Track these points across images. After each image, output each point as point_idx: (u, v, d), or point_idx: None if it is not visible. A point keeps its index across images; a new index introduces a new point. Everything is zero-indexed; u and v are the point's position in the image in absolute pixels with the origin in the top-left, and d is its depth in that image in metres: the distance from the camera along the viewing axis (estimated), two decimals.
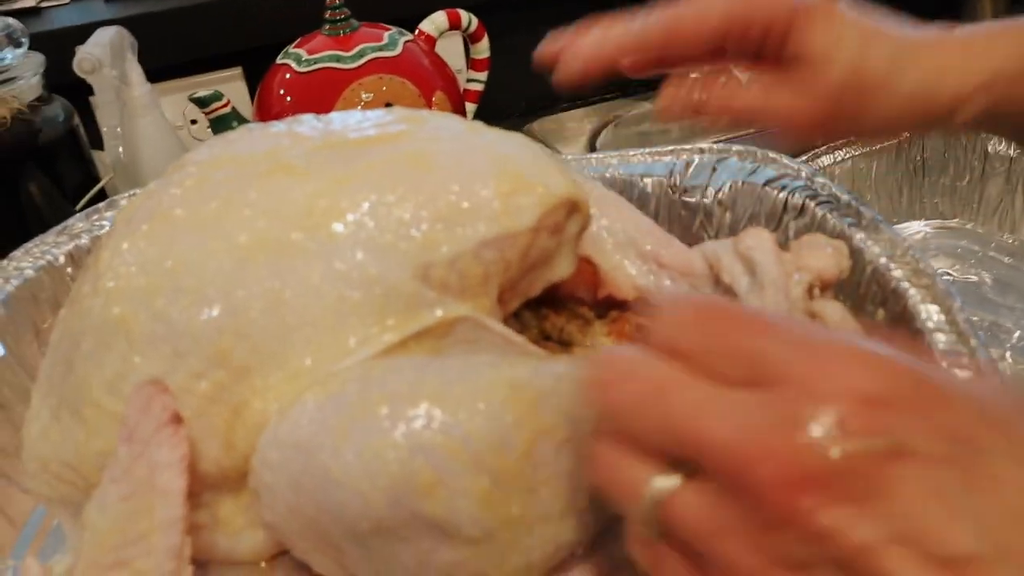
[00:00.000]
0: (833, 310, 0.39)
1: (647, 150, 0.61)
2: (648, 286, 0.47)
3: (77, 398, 0.39)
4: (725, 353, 0.26)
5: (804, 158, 0.88)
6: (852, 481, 0.23)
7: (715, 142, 0.62)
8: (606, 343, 0.48)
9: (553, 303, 0.48)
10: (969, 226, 0.86)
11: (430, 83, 0.77)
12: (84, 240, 0.55)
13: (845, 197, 0.53)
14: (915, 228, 0.87)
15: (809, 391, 0.24)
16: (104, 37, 0.78)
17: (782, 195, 0.55)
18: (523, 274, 0.41)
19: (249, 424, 0.38)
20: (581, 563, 0.37)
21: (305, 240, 0.38)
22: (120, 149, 0.81)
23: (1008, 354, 0.71)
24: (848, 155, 0.87)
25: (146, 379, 0.36)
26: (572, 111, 1.03)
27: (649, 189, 0.59)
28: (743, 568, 0.24)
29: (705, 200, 0.58)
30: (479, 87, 0.88)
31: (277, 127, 0.44)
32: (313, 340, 0.37)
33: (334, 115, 0.44)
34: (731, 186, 0.58)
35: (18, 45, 0.75)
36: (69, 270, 0.54)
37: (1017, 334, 0.73)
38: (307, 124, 0.43)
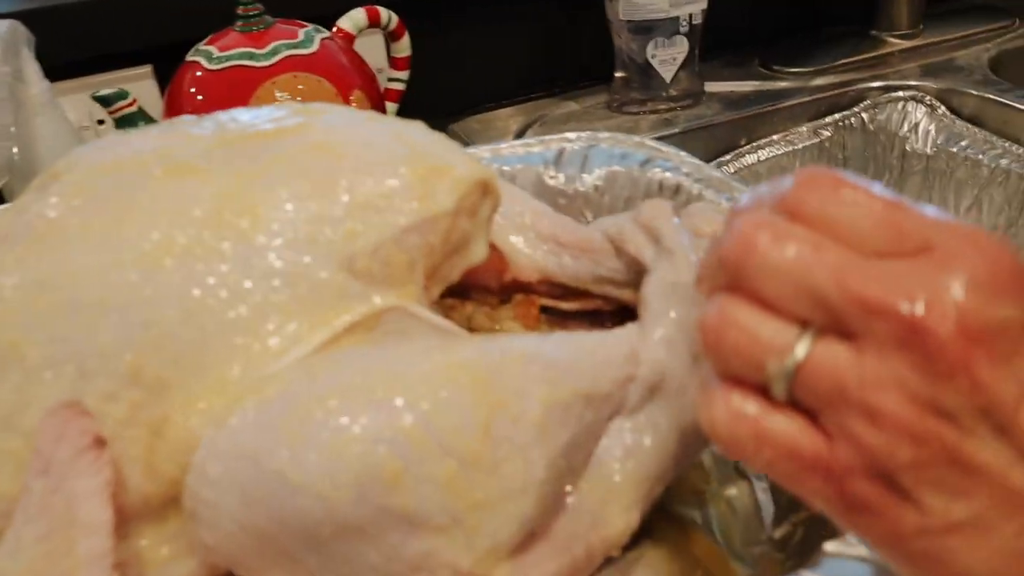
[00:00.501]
0: None
1: (518, 142, 0.62)
2: (550, 266, 0.48)
3: None
4: (859, 220, 0.27)
5: (729, 156, 0.92)
6: (1004, 342, 0.25)
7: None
8: (514, 327, 0.48)
9: (458, 293, 0.48)
10: None
11: (347, 81, 0.75)
12: None
13: (716, 175, 0.56)
14: None
15: (957, 259, 0.26)
16: None
17: (657, 176, 0.57)
18: (445, 259, 0.40)
19: (173, 443, 0.35)
20: (540, 541, 0.37)
21: (217, 240, 0.36)
22: (15, 150, 0.74)
23: None
24: (772, 154, 0.91)
25: (58, 403, 0.33)
26: (497, 111, 1.01)
27: (525, 180, 0.60)
28: (898, 418, 0.25)
29: (581, 187, 0.59)
30: (400, 86, 0.86)
31: (159, 128, 0.41)
32: (238, 345, 0.35)
33: (221, 113, 0.42)
34: (606, 171, 0.59)
35: None
36: None
37: None
38: (195, 123, 0.41)
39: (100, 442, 0.33)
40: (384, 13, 0.81)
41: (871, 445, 0.26)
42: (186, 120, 0.42)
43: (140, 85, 0.88)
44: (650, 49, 0.94)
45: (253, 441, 0.32)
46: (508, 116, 1.00)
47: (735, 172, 0.92)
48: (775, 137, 0.93)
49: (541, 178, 0.59)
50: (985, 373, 0.25)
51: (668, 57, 0.95)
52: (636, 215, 0.46)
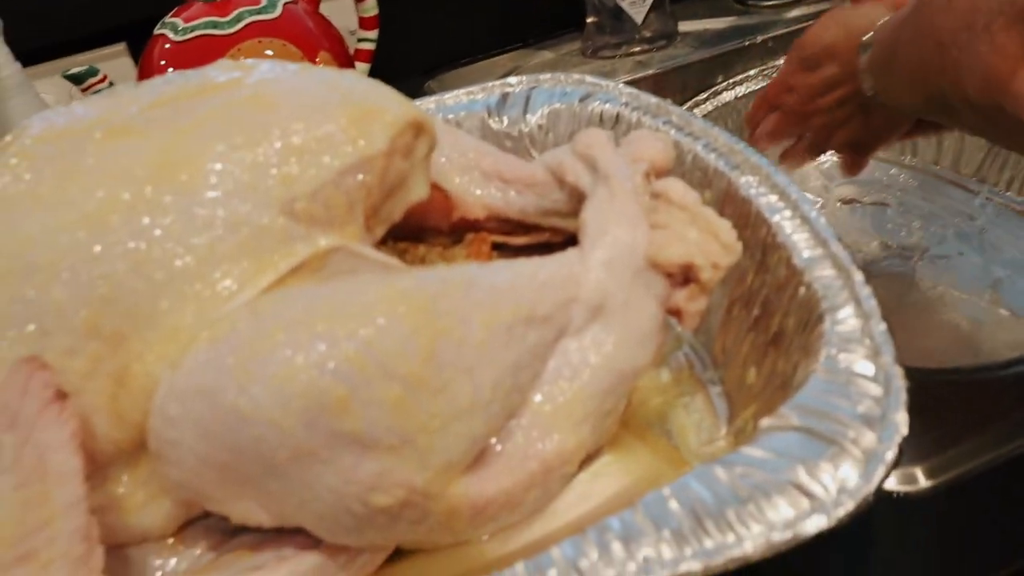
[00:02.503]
0: (674, 184, 0.42)
1: (461, 91, 0.63)
2: (496, 203, 0.49)
3: None
4: None
5: (705, 95, 0.91)
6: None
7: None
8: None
9: (410, 236, 0.49)
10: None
11: (313, 44, 0.76)
12: None
13: (653, 101, 0.57)
14: (823, 158, 0.89)
15: None
16: None
17: (597, 109, 0.59)
18: (384, 198, 0.41)
19: (135, 391, 0.36)
20: (494, 458, 0.39)
21: (159, 195, 0.37)
22: None
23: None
24: (749, 89, 0.90)
25: (19, 359, 0.34)
26: (472, 65, 1.01)
27: (471, 126, 0.61)
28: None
29: (525, 128, 0.61)
30: (370, 46, 0.87)
31: (101, 96, 0.42)
32: (187, 292, 0.37)
33: (157, 78, 0.43)
34: (548, 110, 0.60)
35: None
36: None
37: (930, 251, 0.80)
38: (134, 88, 0.42)
39: (62, 394, 0.34)
40: None
41: None
42: (127, 86, 0.43)
43: (116, 63, 0.90)
44: None
45: (206, 379, 0.34)
46: (484, 69, 1.00)
47: (713, 110, 0.91)
48: (752, 72, 0.92)
49: (486, 123, 0.61)
50: None
51: None
52: (573, 145, 0.47)
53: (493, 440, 0.39)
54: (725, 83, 0.91)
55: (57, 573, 0.34)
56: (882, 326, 0.37)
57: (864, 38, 0.58)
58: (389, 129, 0.40)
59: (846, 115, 0.65)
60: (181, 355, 0.35)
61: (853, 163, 0.71)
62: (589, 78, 0.62)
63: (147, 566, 0.39)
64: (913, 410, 0.45)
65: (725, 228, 0.42)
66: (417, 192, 0.43)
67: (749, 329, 0.46)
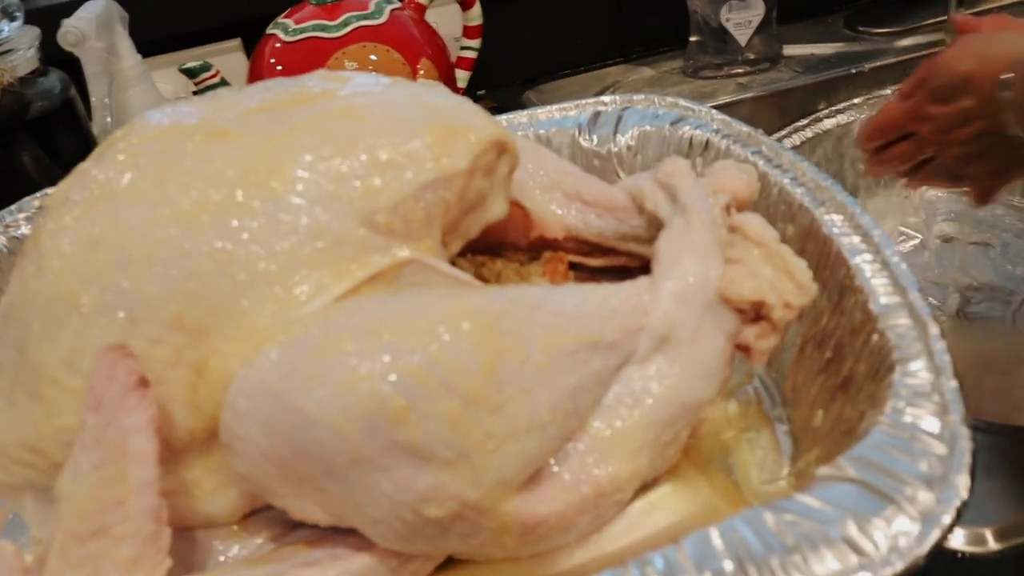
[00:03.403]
0: (752, 220, 0.42)
1: (555, 106, 0.64)
2: (575, 224, 0.50)
3: (32, 379, 0.39)
4: None
5: (805, 121, 0.89)
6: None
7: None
8: (542, 283, 0.50)
9: (488, 250, 0.50)
10: None
11: (415, 50, 0.79)
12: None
13: (745, 129, 0.57)
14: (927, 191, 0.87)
15: None
16: (91, 11, 0.79)
17: (687, 134, 0.59)
18: (462, 215, 0.42)
19: (212, 383, 0.38)
20: (549, 479, 0.39)
21: (248, 199, 0.39)
22: (108, 119, 0.82)
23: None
24: (852, 118, 0.88)
25: (107, 345, 0.37)
26: (572, 77, 1.02)
27: (560, 143, 0.62)
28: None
29: (614, 148, 0.61)
30: (472, 54, 0.89)
31: (207, 98, 0.44)
32: (267, 294, 0.38)
33: (259, 84, 0.45)
34: (638, 132, 0.61)
35: (13, 19, 0.77)
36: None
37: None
38: (237, 92, 0.44)
39: (144, 382, 0.37)
40: None
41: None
42: (229, 90, 0.45)
43: (230, 58, 0.94)
44: (724, 12, 0.93)
45: (275, 379, 0.35)
46: (583, 82, 1.00)
47: (813, 137, 0.89)
48: (856, 101, 0.90)
49: (576, 140, 0.61)
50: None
51: (743, 20, 0.93)
52: (655, 173, 0.47)
53: (550, 462, 0.39)
54: (827, 110, 0.89)
55: (128, 550, 0.36)
56: (953, 383, 0.36)
57: (1003, 76, 0.56)
58: (472, 148, 0.41)
59: (984, 147, 0.63)
60: (255, 354, 0.37)
61: (986, 195, 0.68)
62: (683, 101, 0.62)
63: (211, 549, 0.41)
64: (989, 468, 0.43)
65: (801, 268, 0.41)
66: (496, 210, 0.44)
67: (820, 371, 0.45)
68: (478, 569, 0.41)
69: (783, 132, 0.88)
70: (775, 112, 0.90)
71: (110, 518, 0.36)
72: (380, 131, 0.41)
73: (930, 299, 0.80)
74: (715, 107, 0.85)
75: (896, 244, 0.83)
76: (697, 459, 0.47)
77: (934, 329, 0.38)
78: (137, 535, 0.36)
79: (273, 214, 0.39)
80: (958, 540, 0.43)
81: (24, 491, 0.41)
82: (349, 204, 0.39)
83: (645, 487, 0.43)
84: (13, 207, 0.60)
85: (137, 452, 0.36)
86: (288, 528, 0.42)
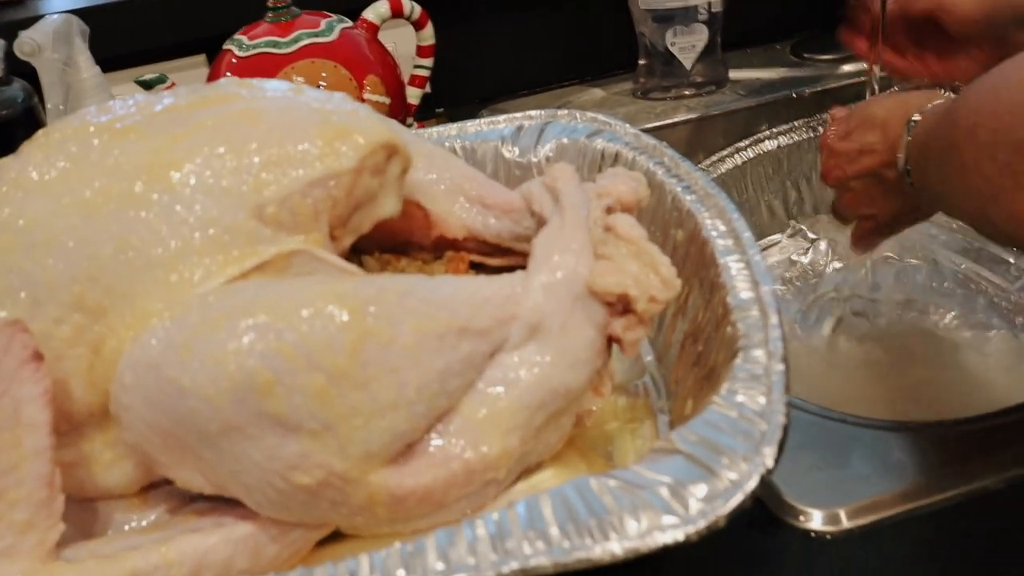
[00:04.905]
0: (623, 220, 0.45)
1: (484, 120, 0.67)
2: (474, 225, 0.53)
3: None
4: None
5: (747, 141, 0.92)
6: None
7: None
8: None
9: (394, 249, 0.54)
10: None
11: (363, 67, 0.83)
12: None
13: (651, 143, 0.60)
14: None
15: None
16: (48, 24, 0.83)
17: (600, 146, 0.62)
18: (351, 211, 0.46)
19: (108, 360, 0.41)
20: (419, 455, 0.42)
21: (146, 191, 0.42)
22: None
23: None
24: (792, 140, 0.92)
25: (2, 321, 0.40)
26: (527, 97, 1.06)
27: (485, 153, 0.65)
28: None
29: (534, 158, 0.64)
30: (425, 72, 0.93)
31: (117, 104, 0.48)
32: (159, 278, 0.42)
33: (176, 89, 0.49)
34: (557, 144, 0.64)
35: None
36: None
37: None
38: (147, 97, 0.48)
39: (38, 356, 0.40)
40: (407, 4, 0.88)
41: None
42: (145, 95, 0.49)
43: (195, 73, 0.99)
44: (669, 37, 0.97)
45: (156, 353, 0.39)
46: (536, 102, 1.04)
47: (754, 157, 0.92)
48: (797, 123, 0.93)
49: (499, 151, 0.64)
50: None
51: (687, 44, 0.97)
52: (544, 177, 0.50)
53: (424, 439, 0.42)
54: (769, 131, 0.92)
55: (21, 513, 0.39)
56: (780, 366, 0.38)
57: (913, 118, 0.58)
58: (360, 150, 0.44)
59: (876, 192, 0.65)
60: (144, 332, 0.40)
61: (867, 241, 0.71)
62: (601, 116, 0.65)
63: (111, 520, 0.44)
64: (847, 456, 0.46)
65: (665, 264, 0.44)
66: (386, 208, 0.47)
67: (694, 363, 0.48)
68: (364, 544, 0.44)
69: (725, 152, 0.91)
70: (719, 132, 0.93)
71: (4, 482, 0.39)
72: (274, 132, 0.44)
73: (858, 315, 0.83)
74: (661, 127, 0.89)
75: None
76: (581, 446, 0.50)
77: (774, 319, 0.41)
78: (30, 499, 0.39)
79: (169, 205, 0.42)
80: (816, 521, 0.46)
81: None
82: (240, 197, 0.43)
83: (528, 471, 0.46)
84: None
85: (31, 421, 0.39)
86: (185, 501, 0.45)
